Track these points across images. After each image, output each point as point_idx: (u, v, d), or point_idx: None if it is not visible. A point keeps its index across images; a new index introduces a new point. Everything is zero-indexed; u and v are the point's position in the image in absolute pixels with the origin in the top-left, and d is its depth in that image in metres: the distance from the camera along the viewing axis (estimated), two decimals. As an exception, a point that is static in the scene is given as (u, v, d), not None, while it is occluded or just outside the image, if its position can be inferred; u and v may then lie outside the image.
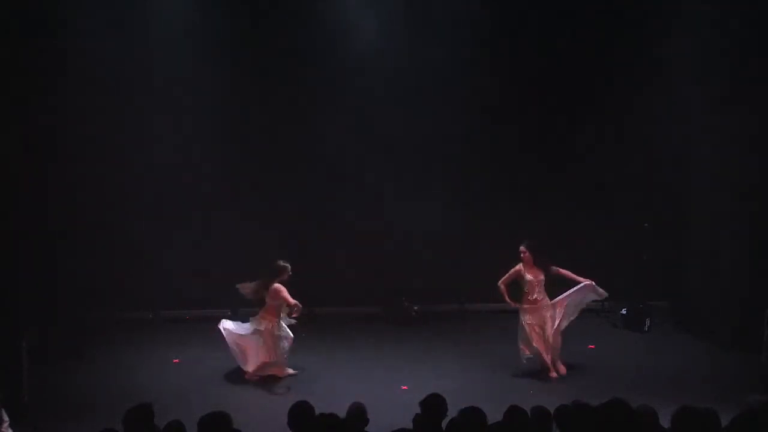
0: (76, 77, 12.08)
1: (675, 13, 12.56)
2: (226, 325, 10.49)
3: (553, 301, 10.47)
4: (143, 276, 12.64)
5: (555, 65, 13.03)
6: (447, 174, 13.32)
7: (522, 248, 10.36)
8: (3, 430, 7.34)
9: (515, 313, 13.31)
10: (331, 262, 13.05)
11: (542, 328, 10.40)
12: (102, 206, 12.54)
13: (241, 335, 10.39)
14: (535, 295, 10.35)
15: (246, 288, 10.53)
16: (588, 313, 13.36)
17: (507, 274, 10.40)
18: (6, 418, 7.39)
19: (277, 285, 10.25)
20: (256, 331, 10.32)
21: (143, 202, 12.79)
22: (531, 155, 13.24)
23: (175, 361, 11.17)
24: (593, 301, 10.81)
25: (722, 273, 11.87)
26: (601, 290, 10.41)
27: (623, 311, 12.73)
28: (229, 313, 13.34)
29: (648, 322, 12.48)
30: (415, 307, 12.87)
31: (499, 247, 13.09)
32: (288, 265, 10.41)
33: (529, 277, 10.35)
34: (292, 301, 10.13)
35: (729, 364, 10.89)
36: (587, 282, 10.36)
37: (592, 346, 11.90)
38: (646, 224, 12.80)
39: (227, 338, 10.39)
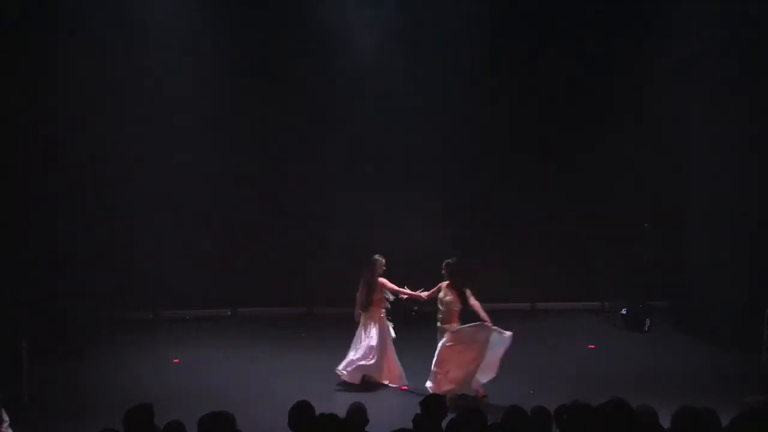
0: (78, 79, 12.09)
1: (675, 14, 12.58)
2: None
3: (469, 328, 9.50)
4: (143, 276, 12.65)
5: (554, 67, 13.04)
6: (447, 175, 13.33)
7: (443, 265, 9.71)
8: (3, 430, 7.34)
9: (515, 314, 13.40)
10: (331, 263, 13.05)
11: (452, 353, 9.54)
12: (102, 207, 12.55)
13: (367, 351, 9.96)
14: (440, 316, 9.65)
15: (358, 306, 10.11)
16: (588, 313, 13.46)
17: (434, 289, 9.77)
18: (6, 418, 7.38)
19: (381, 279, 10.02)
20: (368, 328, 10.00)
21: (143, 202, 12.80)
22: (532, 156, 13.25)
23: (175, 361, 11.17)
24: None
25: (722, 273, 11.87)
26: (505, 335, 9.32)
27: (623, 311, 12.74)
28: (229, 313, 13.43)
29: (648, 322, 12.49)
30: (415, 307, 12.84)
31: (499, 247, 13.16)
32: (382, 258, 10.08)
33: (440, 294, 9.67)
34: (399, 288, 9.96)
35: (729, 364, 10.89)
36: (484, 321, 9.42)
37: (592, 346, 11.91)
38: (646, 224, 12.81)
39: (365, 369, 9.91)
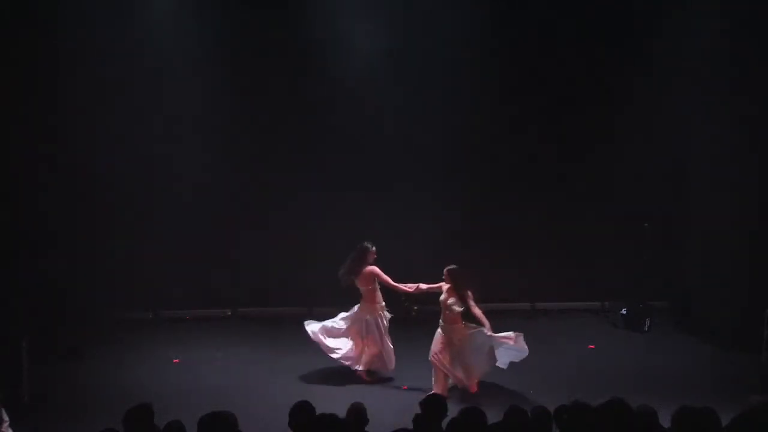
0: (77, 78, 12.09)
1: (675, 13, 12.57)
2: (312, 327, 10.28)
3: (470, 332, 9.76)
4: (143, 276, 12.64)
5: (554, 67, 13.02)
6: (446, 175, 13.30)
7: (444, 271, 9.92)
8: (3, 430, 7.34)
9: (514, 313, 13.40)
10: (331, 263, 13.03)
11: (447, 349, 9.82)
12: (102, 206, 12.54)
13: (338, 328, 10.26)
14: (446, 315, 9.89)
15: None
16: (588, 313, 13.46)
17: (434, 285, 10.05)
18: (6, 418, 7.38)
19: (370, 267, 10.10)
20: (359, 320, 10.20)
21: (143, 202, 12.79)
22: (531, 155, 13.23)
23: (175, 361, 11.17)
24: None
25: (722, 273, 11.87)
26: (522, 346, 9.78)
27: (623, 311, 12.73)
28: (229, 313, 13.42)
29: (648, 322, 12.48)
30: (415, 307, 12.84)
31: (498, 247, 13.16)
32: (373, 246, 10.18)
33: (443, 296, 9.93)
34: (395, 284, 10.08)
35: (729, 364, 10.89)
36: (510, 335, 9.79)
37: (592, 346, 11.91)
38: (646, 224, 12.80)
39: (317, 338, 10.21)
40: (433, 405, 5.89)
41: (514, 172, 13.32)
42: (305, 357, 10.98)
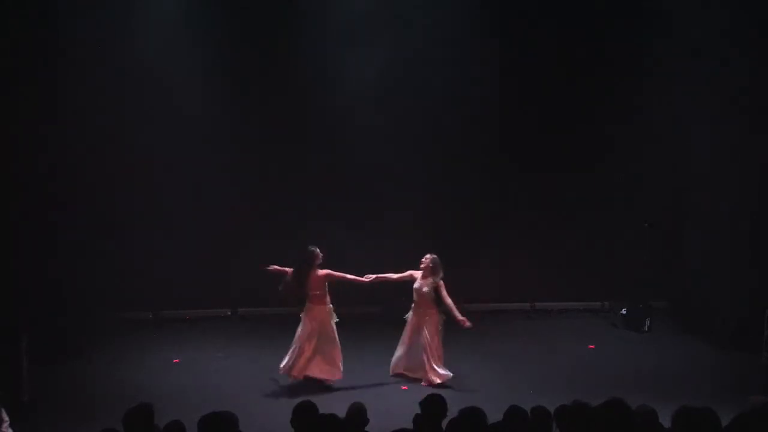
0: (78, 78, 12.07)
1: (676, 12, 12.56)
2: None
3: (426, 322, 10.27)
4: (143, 276, 12.64)
5: (553, 67, 13.02)
6: (445, 172, 13.30)
7: (430, 258, 10.26)
8: (3, 430, 7.33)
9: (515, 314, 13.41)
10: (331, 263, 13.03)
11: (417, 334, 10.29)
12: (102, 206, 12.53)
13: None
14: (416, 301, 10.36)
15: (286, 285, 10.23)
16: (588, 313, 13.47)
17: (402, 274, 10.43)
18: (6, 418, 7.38)
19: (324, 271, 10.21)
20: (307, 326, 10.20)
21: (143, 201, 12.78)
22: (531, 155, 13.22)
23: (175, 361, 11.18)
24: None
25: (722, 273, 11.87)
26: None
27: (623, 311, 12.74)
28: (229, 313, 13.42)
29: (648, 322, 12.49)
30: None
31: (498, 246, 13.16)
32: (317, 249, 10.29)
33: (416, 284, 10.32)
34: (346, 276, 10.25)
35: (729, 364, 10.90)
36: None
37: (592, 346, 11.91)
38: (646, 224, 12.81)
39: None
40: (433, 405, 5.88)
41: (513, 171, 13.30)
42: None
